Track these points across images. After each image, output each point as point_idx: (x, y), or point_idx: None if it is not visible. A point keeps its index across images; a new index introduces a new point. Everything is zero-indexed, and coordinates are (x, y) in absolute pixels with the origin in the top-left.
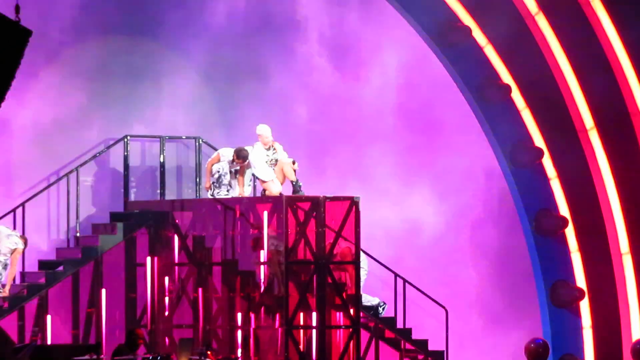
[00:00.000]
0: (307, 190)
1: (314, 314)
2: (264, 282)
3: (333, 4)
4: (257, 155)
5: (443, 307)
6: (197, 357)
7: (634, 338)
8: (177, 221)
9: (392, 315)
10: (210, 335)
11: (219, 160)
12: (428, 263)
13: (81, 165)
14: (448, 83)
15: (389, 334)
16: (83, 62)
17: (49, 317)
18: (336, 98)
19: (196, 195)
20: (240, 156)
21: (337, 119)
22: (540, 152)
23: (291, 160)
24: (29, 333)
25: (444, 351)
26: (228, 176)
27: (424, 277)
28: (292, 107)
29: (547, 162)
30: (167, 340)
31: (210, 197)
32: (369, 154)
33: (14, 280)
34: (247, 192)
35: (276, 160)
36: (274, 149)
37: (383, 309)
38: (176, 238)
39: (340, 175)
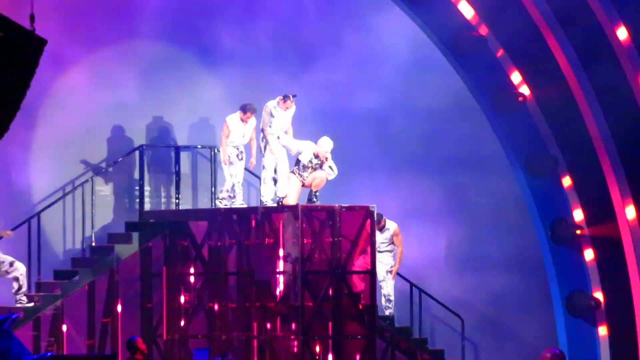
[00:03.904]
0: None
1: (330, 324)
2: (279, 292)
3: None
4: (305, 150)
5: (459, 316)
6: None
7: None
8: (192, 231)
9: (409, 325)
10: (226, 345)
11: (229, 130)
12: (444, 272)
13: (96, 174)
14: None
15: (404, 344)
16: (98, 71)
17: (64, 327)
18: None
19: (211, 205)
20: (247, 109)
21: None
22: (555, 161)
23: (332, 175)
24: (45, 343)
25: None
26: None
27: (440, 286)
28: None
29: (563, 171)
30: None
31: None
32: (384, 163)
33: (29, 289)
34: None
35: (319, 167)
36: (325, 160)
37: None
38: (192, 248)
39: (357, 184)
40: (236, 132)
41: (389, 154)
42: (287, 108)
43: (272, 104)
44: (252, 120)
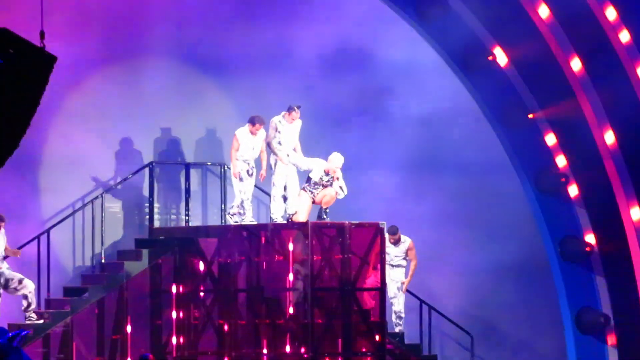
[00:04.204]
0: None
1: (340, 341)
2: (289, 309)
3: None
4: (315, 167)
5: (468, 333)
6: None
7: None
8: (202, 247)
9: (418, 341)
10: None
11: (239, 144)
12: (453, 289)
13: (106, 191)
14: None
15: None
16: (108, 88)
17: (74, 344)
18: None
19: (221, 222)
20: (256, 121)
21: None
22: (565, 178)
23: (342, 195)
24: None
25: None
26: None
27: (449, 303)
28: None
29: (572, 187)
30: None
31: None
32: (394, 180)
33: (38, 306)
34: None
35: (330, 184)
36: (337, 179)
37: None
38: (201, 264)
39: (368, 199)
40: (246, 145)
41: (400, 168)
42: (293, 119)
43: (277, 119)
44: (262, 132)
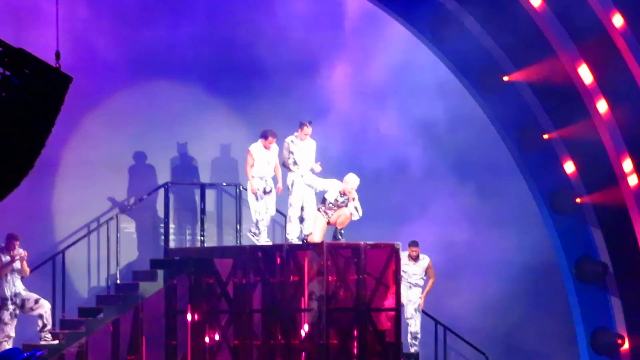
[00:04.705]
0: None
1: None
2: (304, 329)
3: None
4: (331, 188)
5: (483, 353)
6: None
7: None
8: (217, 268)
9: None
10: None
11: (253, 160)
12: (468, 309)
13: (122, 212)
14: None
15: None
16: (124, 108)
17: None
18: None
19: (236, 242)
20: (268, 134)
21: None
22: (580, 198)
23: (357, 216)
24: None
25: None
26: (265, 221)
27: (465, 323)
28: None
29: (588, 208)
30: None
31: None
32: (412, 198)
33: (53, 326)
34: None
35: (345, 205)
36: (353, 199)
37: None
38: (217, 285)
39: (385, 218)
40: (260, 160)
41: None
42: (305, 135)
43: (289, 139)
44: (275, 147)
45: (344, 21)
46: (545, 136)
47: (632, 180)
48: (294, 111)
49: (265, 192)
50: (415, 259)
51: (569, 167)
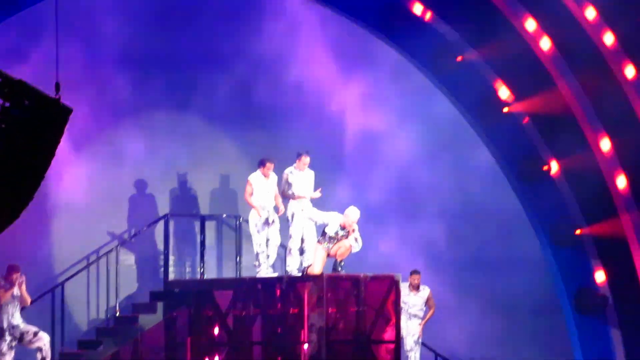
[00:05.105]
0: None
1: None
2: None
3: None
4: (331, 221)
5: None
6: None
7: None
8: (217, 300)
9: None
10: None
11: (252, 188)
12: (467, 341)
13: (121, 244)
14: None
15: None
16: (123, 141)
17: None
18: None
19: (236, 274)
20: (266, 161)
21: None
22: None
23: (357, 247)
24: None
25: None
26: (266, 253)
27: (464, 355)
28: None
29: (588, 240)
30: None
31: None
32: (414, 230)
33: (52, 359)
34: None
35: (345, 237)
36: (352, 231)
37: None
38: (216, 317)
39: (389, 248)
40: (260, 189)
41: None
42: (304, 165)
43: (287, 170)
44: (273, 176)
45: (341, 60)
46: (545, 167)
47: (632, 212)
48: (293, 142)
49: (267, 223)
50: (416, 287)
51: (570, 198)
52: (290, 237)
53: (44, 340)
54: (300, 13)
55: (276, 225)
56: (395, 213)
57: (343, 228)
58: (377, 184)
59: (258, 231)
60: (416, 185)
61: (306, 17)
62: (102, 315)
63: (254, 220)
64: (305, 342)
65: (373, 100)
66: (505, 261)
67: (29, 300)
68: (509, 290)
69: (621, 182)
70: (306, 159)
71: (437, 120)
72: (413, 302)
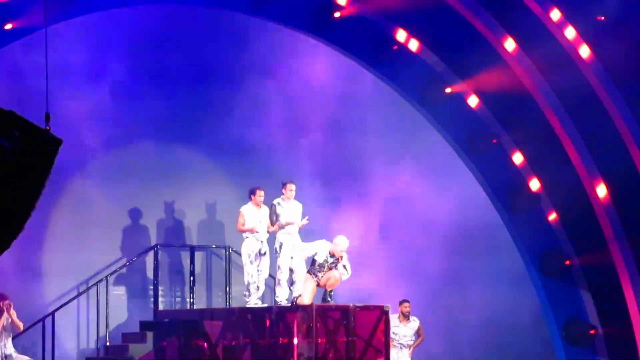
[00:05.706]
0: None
1: None
2: None
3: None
4: (320, 250)
5: None
6: None
7: None
8: (207, 330)
9: None
10: None
11: (244, 220)
12: None
13: (111, 274)
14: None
15: None
16: (113, 168)
17: None
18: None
19: (226, 304)
20: (255, 189)
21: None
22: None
23: (346, 275)
24: None
25: None
26: (257, 284)
27: None
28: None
29: (577, 270)
30: None
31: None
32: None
33: None
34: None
35: (334, 266)
36: (341, 259)
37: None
38: (206, 347)
39: (381, 277)
40: (252, 219)
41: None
42: (291, 192)
43: (275, 202)
44: (265, 207)
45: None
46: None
47: (622, 243)
48: (281, 171)
49: (260, 254)
50: (406, 317)
51: (558, 227)
52: (279, 268)
53: None
54: (296, 49)
55: (267, 257)
56: (383, 242)
57: (332, 256)
58: (366, 212)
59: (251, 262)
60: (408, 212)
61: (300, 52)
62: (92, 345)
63: (247, 251)
64: None
65: (360, 131)
66: (494, 289)
67: (21, 325)
68: (498, 317)
69: (611, 213)
70: (292, 186)
71: (428, 149)
72: (403, 332)
